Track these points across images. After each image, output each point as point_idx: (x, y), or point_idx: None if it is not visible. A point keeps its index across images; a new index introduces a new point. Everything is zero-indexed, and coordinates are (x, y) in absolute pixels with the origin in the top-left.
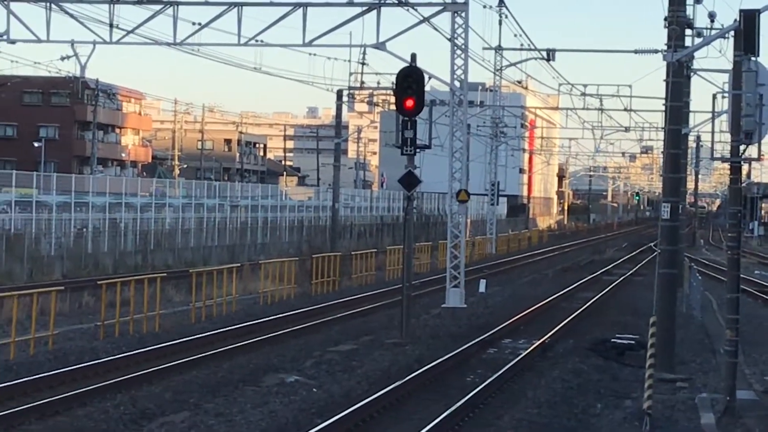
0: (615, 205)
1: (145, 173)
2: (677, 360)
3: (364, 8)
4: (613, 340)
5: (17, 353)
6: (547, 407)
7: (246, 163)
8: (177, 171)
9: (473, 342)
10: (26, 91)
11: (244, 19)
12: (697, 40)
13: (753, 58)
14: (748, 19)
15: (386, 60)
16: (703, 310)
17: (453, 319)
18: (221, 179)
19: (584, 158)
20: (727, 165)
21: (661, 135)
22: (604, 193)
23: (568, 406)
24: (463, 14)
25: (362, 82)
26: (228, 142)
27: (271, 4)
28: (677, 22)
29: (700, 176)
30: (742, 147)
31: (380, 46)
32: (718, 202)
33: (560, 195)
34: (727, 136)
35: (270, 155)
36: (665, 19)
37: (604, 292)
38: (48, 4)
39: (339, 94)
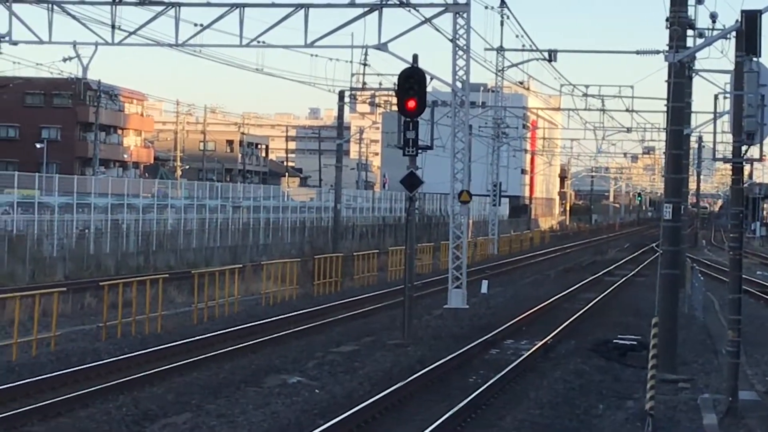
0: (617, 205)
1: (147, 174)
2: (679, 361)
3: (366, 9)
4: (615, 340)
5: (19, 354)
6: (549, 408)
7: (248, 164)
8: (179, 172)
9: (475, 343)
10: (28, 92)
11: (246, 20)
12: (699, 41)
13: (755, 59)
14: (750, 20)
15: (388, 61)
16: (705, 310)
17: (455, 319)
18: (223, 180)
19: (586, 159)
20: (728, 166)
21: (663, 136)
22: (606, 194)
23: (570, 406)
24: (464, 15)
25: (364, 83)
26: (230, 143)
27: (273, 5)
28: (679, 22)
29: (702, 177)
30: (743, 147)
31: (382, 47)
32: (720, 202)
33: (562, 196)
34: (729, 137)
35: (272, 156)
36: (667, 19)
37: (606, 292)
38: (50, 6)
39: (341, 95)
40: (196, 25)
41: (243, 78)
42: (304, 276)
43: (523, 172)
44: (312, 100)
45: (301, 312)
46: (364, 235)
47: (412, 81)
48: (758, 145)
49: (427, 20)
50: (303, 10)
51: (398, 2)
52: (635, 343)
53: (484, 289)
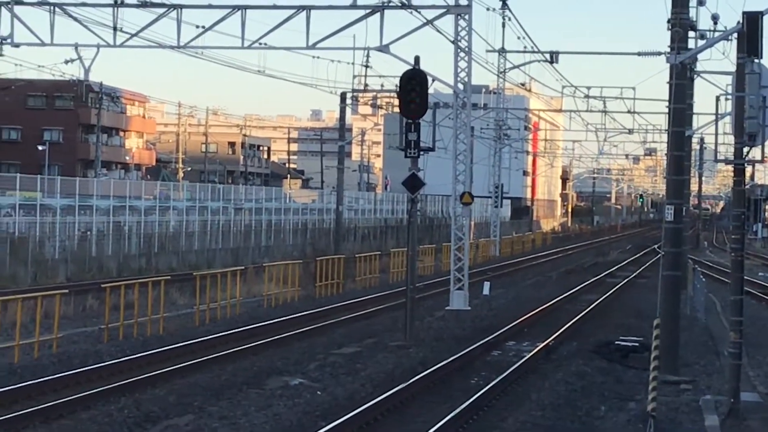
0: (619, 207)
1: (149, 176)
2: (681, 362)
3: (368, 11)
4: (617, 342)
5: (21, 356)
6: (551, 410)
7: (250, 166)
8: (181, 174)
9: (477, 344)
10: (30, 94)
11: (248, 22)
12: (701, 43)
13: (756, 60)
14: (751, 21)
15: (390, 62)
16: (707, 312)
17: (457, 321)
18: (225, 182)
19: (588, 160)
20: (730, 167)
21: (665, 137)
22: (608, 196)
23: (572, 408)
24: (466, 17)
25: (366, 85)
26: (232, 144)
27: (275, 7)
28: (680, 24)
29: (703, 178)
30: (745, 149)
31: (384, 48)
32: (721, 204)
33: (564, 197)
34: (731, 138)
35: (274, 158)
36: (668, 21)
37: (608, 294)
38: (52, 8)
39: (343, 96)
40: (197, 26)
41: (245, 80)
42: (306, 278)
43: (525, 173)
44: (314, 102)
45: (302, 314)
46: (366, 236)
47: (413, 83)
48: (760, 146)
49: (429, 22)
50: (305, 11)
51: (400, 4)
52: (637, 344)
53: (485, 290)
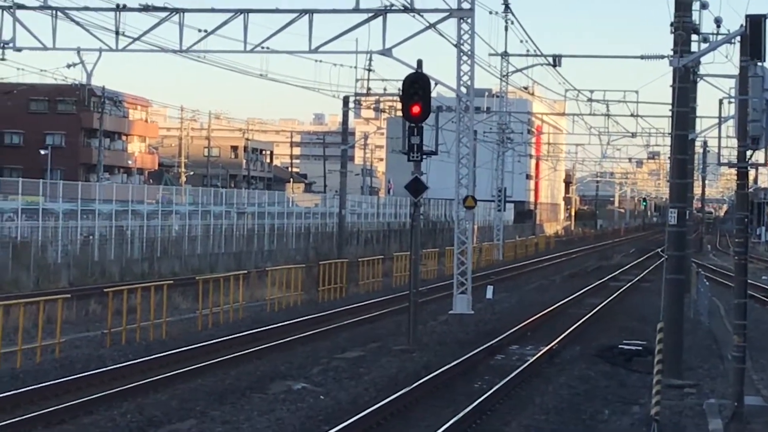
0: (622, 210)
1: (151, 180)
2: (685, 366)
3: (370, 15)
4: (620, 346)
5: (24, 361)
6: (555, 413)
7: (252, 170)
8: (183, 178)
9: (480, 348)
10: (32, 98)
11: (250, 26)
12: (704, 46)
13: (759, 64)
14: (754, 25)
15: (392, 66)
16: (710, 315)
17: (460, 325)
18: (228, 186)
19: (591, 164)
20: (733, 170)
21: (668, 140)
22: (611, 199)
23: (575, 412)
24: (469, 20)
25: (368, 89)
26: (234, 148)
27: (277, 11)
28: (683, 27)
29: (707, 182)
30: (748, 152)
31: (386, 52)
32: (725, 207)
33: (567, 201)
34: (734, 142)
35: (276, 162)
36: (671, 24)
37: (612, 298)
38: (54, 12)
39: (345, 100)
40: (200, 30)
41: (247, 84)
42: (309, 282)
43: (528, 177)
44: (316, 106)
45: (306, 318)
46: (369, 240)
47: (416, 86)
48: (763, 149)
49: (432, 26)
50: (307, 15)
51: (403, 8)
52: (640, 348)
53: (489, 294)
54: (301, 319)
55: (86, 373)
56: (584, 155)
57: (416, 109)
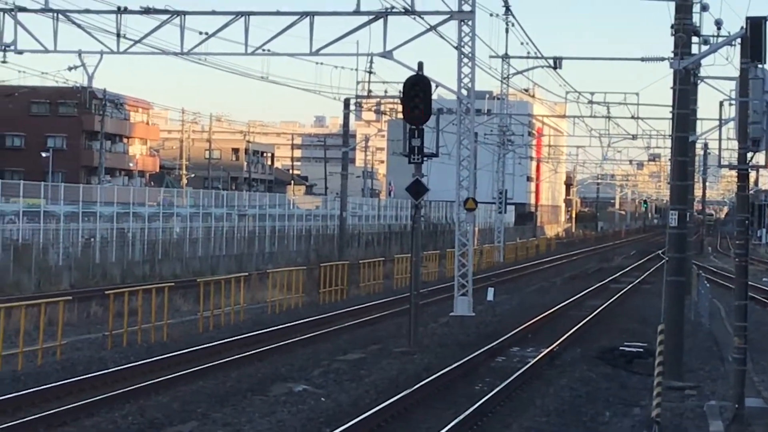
0: (623, 212)
1: (152, 183)
2: (686, 368)
3: (371, 17)
4: (621, 348)
5: (25, 364)
6: (556, 415)
7: (253, 173)
8: (185, 180)
9: (481, 350)
10: (34, 101)
11: (251, 28)
12: (704, 48)
13: (760, 66)
14: (755, 27)
15: (393, 68)
16: (711, 317)
17: (461, 327)
18: (229, 188)
19: (592, 166)
20: (734, 172)
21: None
22: (612, 201)
23: (576, 414)
24: (469, 22)
25: (369, 91)
26: (235, 151)
27: (278, 13)
28: (684, 29)
29: (707, 184)
30: (749, 154)
31: (387, 54)
32: (725, 209)
33: (568, 203)
34: (735, 144)
35: (277, 164)
36: (672, 26)
37: (612, 300)
38: (55, 15)
39: (346, 102)
40: (201, 33)
41: (248, 86)
42: (310, 284)
43: (529, 179)
44: (317, 108)
45: (306, 320)
46: (370, 242)
47: (417, 88)
48: (763, 151)
49: (432, 28)
50: (308, 18)
51: (403, 10)
52: (641, 350)
53: (490, 296)
54: (302, 321)
55: (87, 375)
56: (585, 157)
57: (417, 111)
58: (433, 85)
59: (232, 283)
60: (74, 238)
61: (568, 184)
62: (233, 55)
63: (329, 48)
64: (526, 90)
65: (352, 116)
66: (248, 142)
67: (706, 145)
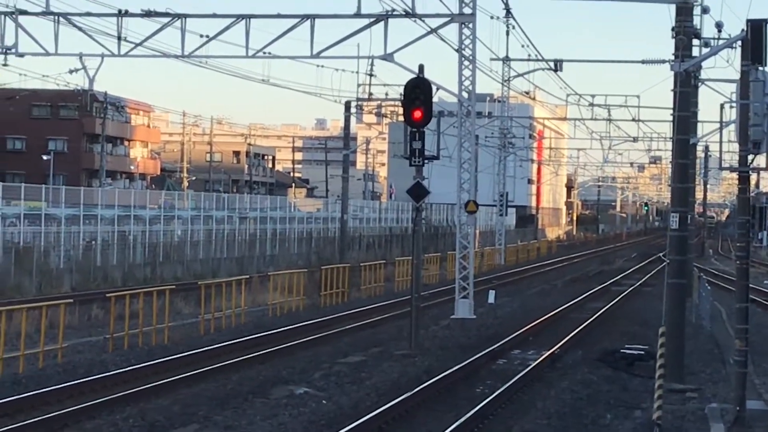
0: (624, 215)
1: (153, 186)
2: (687, 370)
3: (372, 20)
4: (622, 350)
5: (26, 366)
6: (557, 418)
7: (255, 175)
8: (186, 183)
9: (482, 353)
10: (35, 104)
11: (252, 31)
12: (705, 50)
13: (760, 68)
14: (755, 29)
15: (394, 71)
16: (712, 320)
17: (462, 330)
18: (230, 191)
19: (593, 168)
20: (735, 175)
21: (670, 145)
22: (613, 204)
23: (577, 416)
24: (470, 25)
25: (370, 94)
26: (237, 154)
27: (279, 16)
28: (685, 32)
29: (708, 186)
30: (750, 156)
31: (388, 57)
32: (726, 212)
33: (569, 205)
34: (735, 146)
35: (278, 167)
36: (673, 29)
37: (613, 302)
38: (56, 18)
39: (347, 105)
40: (202, 36)
41: (249, 89)
42: (311, 287)
43: (530, 182)
44: (318, 111)
45: (308, 323)
46: (371, 245)
47: (418, 91)
48: (764, 154)
49: (433, 30)
50: (309, 20)
51: (404, 13)
52: (642, 352)
53: (491, 299)
54: (303, 323)
55: (89, 378)
56: (586, 160)
57: (418, 113)
58: (434, 88)
59: (233, 286)
60: (75, 241)
61: (569, 187)
62: (234, 57)
63: (330, 51)
64: (527, 92)
65: (353, 119)
66: (249, 144)
67: (707, 148)
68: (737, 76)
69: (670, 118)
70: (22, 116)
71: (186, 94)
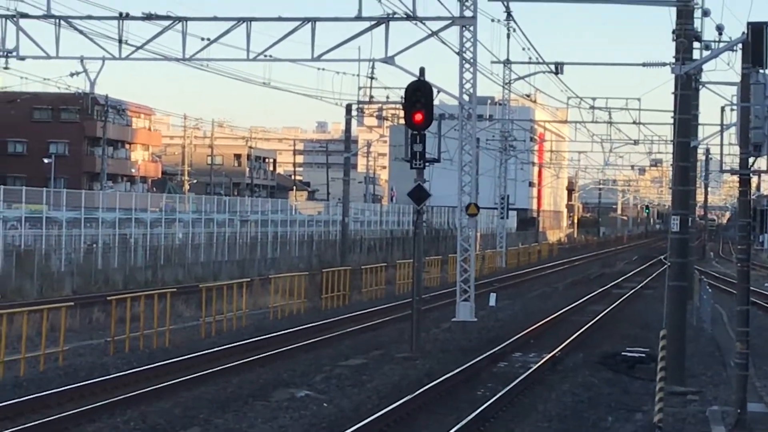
0: (625, 218)
1: (154, 189)
2: (688, 373)
3: (373, 23)
4: (623, 353)
5: (27, 369)
6: (558, 421)
7: (256, 178)
8: (187, 186)
9: (483, 356)
10: (36, 107)
11: (253, 34)
12: (705, 53)
13: (761, 71)
14: (756, 32)
15: (395, 74)
16: (713, 322)
17: (463, 332)
18: (231, 194)
19: (593, 171)
20: (736, 177)
21: (670, 148)
22: (614, 207)
23: (578, 419)
24: (471, 28)
25: (371, 97)
26: (238, 157)
27: (280, 19)
28: (685, 35)
29: (709, 189)
30: (750, 159)
31: (389, 60)
32: (727, 214)
33: (570, 208)
34: (736, 149)
35: (279, 170)
36: (673, 32)
37: (615, 305)
38: (57, 21)
39: (348, 108)
40: (203, 39)
41: (250, 92)
42: (312, 289)
43: (531, 184)
44: (319, 114)
45: (309, 325)
46: (372, 248)
47: (419, 94)
48: (765, 156)
49: (434, 33)
50: (310, 23)
51: (405, 16)
52: (643, 355)
53: (492, 302)
54: (304, 326)
55: (89, 381)
56: (587, 163)
57: (419, 116)
58: (435, 91)
59: (234, 289)
60: (76, 244)
61: (570, 190)
62: (235, 60)
63: (331, 54)
64: (528, 95)
65: (354, 122)
66: (250, 147)
67: (707, 150)
68: (738, 78)
69: (671, 120)
70: (23, 119)
71: (187, 97)
